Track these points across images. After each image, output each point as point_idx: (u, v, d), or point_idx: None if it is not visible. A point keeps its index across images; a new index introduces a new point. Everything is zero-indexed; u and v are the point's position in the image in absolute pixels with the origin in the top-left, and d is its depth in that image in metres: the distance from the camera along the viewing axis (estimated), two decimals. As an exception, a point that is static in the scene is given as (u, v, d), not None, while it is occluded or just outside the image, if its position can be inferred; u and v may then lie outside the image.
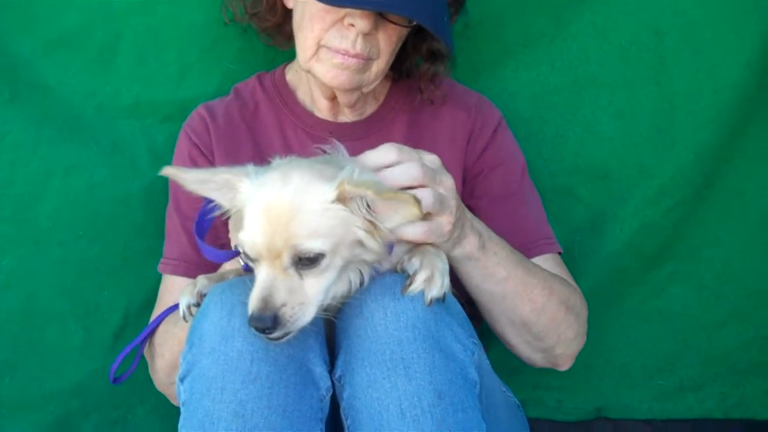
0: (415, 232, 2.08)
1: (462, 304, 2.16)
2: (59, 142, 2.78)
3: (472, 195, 2.62)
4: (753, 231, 2.99)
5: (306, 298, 1.92)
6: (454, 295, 2.14)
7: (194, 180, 2.06)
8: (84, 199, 2.81)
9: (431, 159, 2.16)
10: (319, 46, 2.39)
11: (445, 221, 2.15)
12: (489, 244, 2.31)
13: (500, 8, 2.86)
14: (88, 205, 2.82)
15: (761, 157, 2.94)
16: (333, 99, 2.58)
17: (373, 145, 2.49)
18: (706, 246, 3.00)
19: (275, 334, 1.90)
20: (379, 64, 2.43)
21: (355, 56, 2.36)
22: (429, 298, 1.99)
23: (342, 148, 2.13)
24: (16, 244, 2.78)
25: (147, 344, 2.55)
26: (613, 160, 2.93)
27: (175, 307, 2.40)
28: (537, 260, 2.56)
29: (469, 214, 2.29)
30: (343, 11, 2.33)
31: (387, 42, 2.40)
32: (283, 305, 1.88)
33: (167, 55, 2.83)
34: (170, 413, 2.55)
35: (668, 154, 2.90)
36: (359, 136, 2.63)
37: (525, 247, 2.52)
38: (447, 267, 2.07)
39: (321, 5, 2.30)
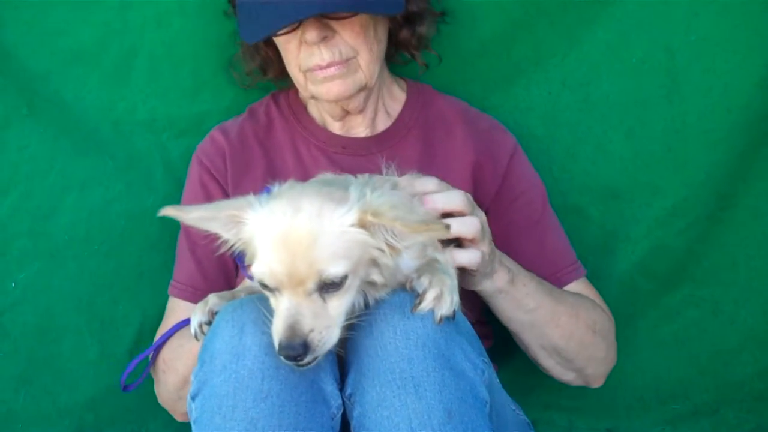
0: (467, 258, 2.20)
1: (472, 323, 2.16)
2: (75, 156, 2.81)
3: (498, 223, 2.61)
4: None
5: (331, 320, 1.92)
6: (464, 314, 2.14)
7: (196, 219, 2.04)
8: (99, 214, 2.84)
9: (466, 194, 2.24)
10: (302, 72, 2.46)
11: (486, 250, 2.24)
12: (518, 278, 2.41)
13: (512, 26, 2.85)
14: (104, 220, 2.84)
15: (779, 178, 2.91)
16: (343, 117, 2.61)
17: (384, 161, 2.54)
18: (722, 269, 2.96)
19: (306, 360, 1.89)
20: (364, 57, 2.45)
21: (329, 65, 2.41)
22: (439, 316, 1.98)
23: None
24: (32, 257, 2.81)
25: (155, 360, 2.57)
26: (625, 179, 2.91)
27: (186, 321, 2.43)
28: (567, 287, 2.66)
29: (497, 251, 2.36)
30: (295, 33, 2.41)
31: (353, 35, 2.42)
32: (311, 331, 1.88)
33: (182, 70, 2.85)
34: (183, 428, 2.57)
35: (680, 173, 2.88)
36: (372, 152, 2.64)
37: (555, 275, 2.64)
38: (456, 284, 2.07)
39: (282, 39, 2.45)
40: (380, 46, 2.51)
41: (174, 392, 2.56)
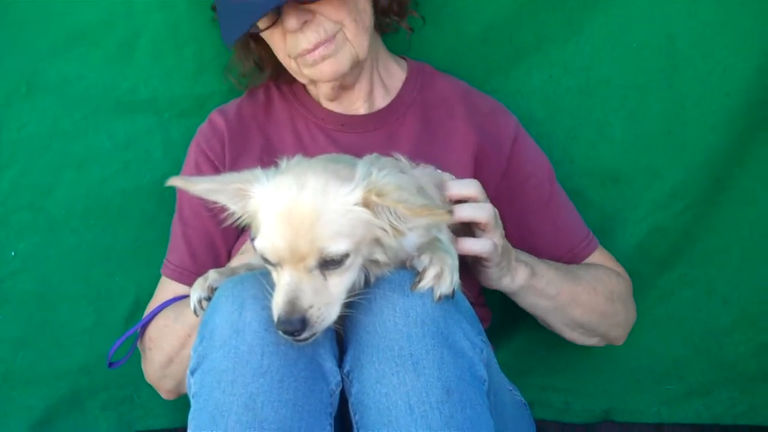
0: (479, 246, 2.24)
1: (471, 304, 2.16)
2: (74, 136, 2.84)
3: (511, 208, 2.63)
4: (765, 236, 2.96)
5: (331, 297, 1.93)
6: (464, 294, 2.14)
7: (203, 190, 2.06)
8: (96, 191, 2.88)
9: (478, 183, 2.29)
10: (293, 59, 2.47)
11: (498, 241, 2.28)
12: (536, 270, 2.47)
13: (513, 10, 2.85)
14: (101, 197, 2.88)
15: (775, 161, 2.91)
16: (337, 97, 2.61)
17: (383, 139, 2.58)
18: (717, 250, 2.98)
19: (303, 336, 1.90)
20: (350, 29, 2.43)
21: (316, 47, 2.41)
22: (438, 295, 1.99)
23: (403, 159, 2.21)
24: (32, 230, 2.86)
25: (142, 337, 2.61)
26: (624, 162, 2.93)
27: (170, 302, 2.53)
28: (587, 260, 2.73)
29: (513, 249, 2.42)
30: (276, 25, 2.42)
31: (334, 10, 2.40)
32: (310, 307, 1.89)
33: (185, 51, 2.85)
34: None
35: (679, 156, 2.89)
36: (370, 129, 2.64)
37: (572, 252, 2.71)
38: (457, 263, 2.07)
39: (265, 34, 2.46)
40: (365, 16, 2.49)
41: (159, 370, 2.59)
